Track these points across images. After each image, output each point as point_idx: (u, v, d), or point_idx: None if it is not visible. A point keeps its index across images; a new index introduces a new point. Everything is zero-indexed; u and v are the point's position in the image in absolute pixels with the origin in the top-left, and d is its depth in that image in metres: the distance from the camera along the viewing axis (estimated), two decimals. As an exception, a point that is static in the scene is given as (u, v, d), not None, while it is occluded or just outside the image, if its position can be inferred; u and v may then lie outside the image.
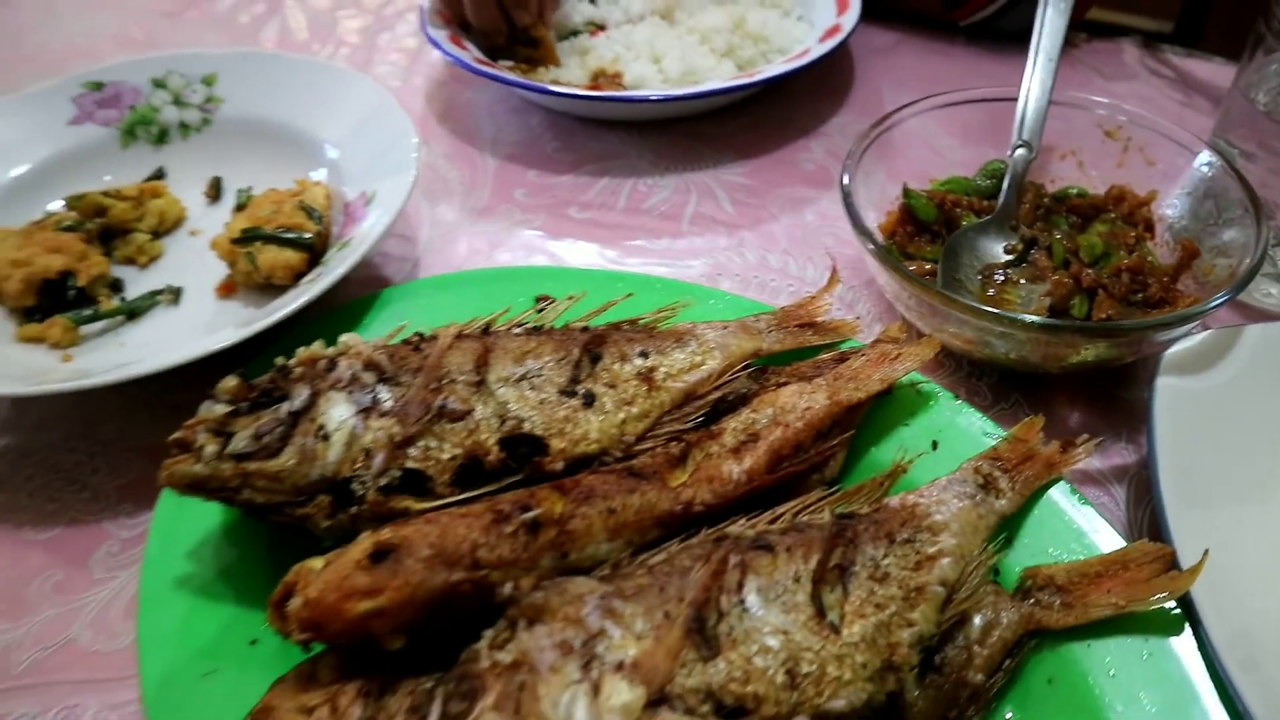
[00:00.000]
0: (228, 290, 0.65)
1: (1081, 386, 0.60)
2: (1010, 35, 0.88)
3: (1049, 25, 0.68)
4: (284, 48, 0.92)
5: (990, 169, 0.68)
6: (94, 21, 0.97)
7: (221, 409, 0.45)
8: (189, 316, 0.64)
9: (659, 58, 0.81)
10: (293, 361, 0.47)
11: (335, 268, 0.58)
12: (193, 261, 0.67)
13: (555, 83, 0.80)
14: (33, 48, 0.93)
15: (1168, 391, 0.53)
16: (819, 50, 0.77)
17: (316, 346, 0.48)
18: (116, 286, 0.66)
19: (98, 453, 0.57)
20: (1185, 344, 0.55)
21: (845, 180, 0.61)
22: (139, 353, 0.61)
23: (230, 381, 0.46)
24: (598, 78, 0.81)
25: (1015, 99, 0.67)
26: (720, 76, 0.79)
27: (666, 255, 0.68)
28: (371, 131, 0.68)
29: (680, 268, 0.67)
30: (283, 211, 0.63)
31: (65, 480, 0.56)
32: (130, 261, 0.68)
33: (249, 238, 0.62)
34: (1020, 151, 0.65)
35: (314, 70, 0.73)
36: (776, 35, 0.83)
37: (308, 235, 0.62)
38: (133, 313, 0.63)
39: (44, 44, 0.94)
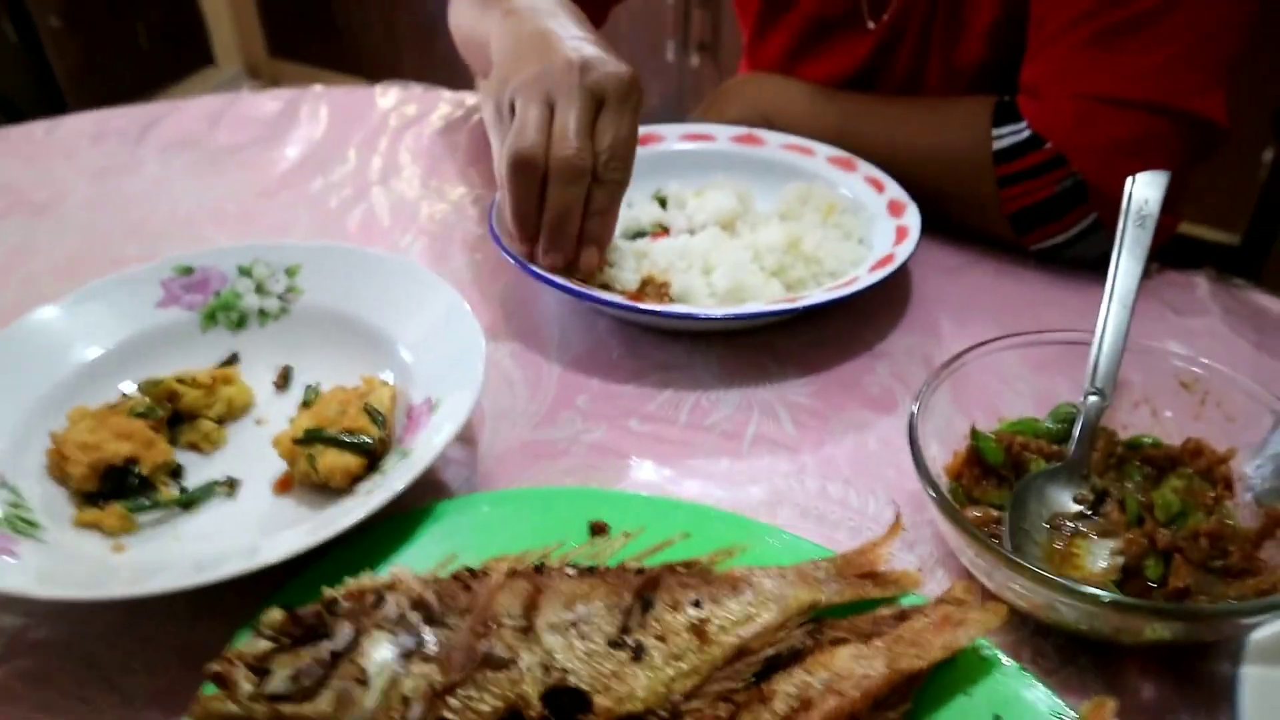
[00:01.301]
0: (285, 486, 0.65)
1: (1157, 655, 0.57)
2: (1082, 262, 0.88)
3: (1123, 271, 0.68)
4: (367, 232, 0.95)
5: (1061, 413, 0.66)
6: (197, 197, 1.02)
7: (263, 644, 0.44)
8: (244, 510, 0.64)
9: (710, 269, 0.82)
10: (341, 593, 0.47)
11: (392, 481, 0.57)
12: (254, 452, 0.68)
13: (605, 288, 0.81)
14: (136, 220, 0.98)
15: (1256, 680, 0.50)
16: (867, 280, 0.77)
17: (365, 578, 0.48)
18: (177, 473, 0.66)
19: (135, 651, 0.57)
20: (1275, 627, 0.52)
21: (911, 423, 0.60)
22: (192, 546, 0.61)
23: (274, 615, 0.45)
24: (646, 285, 0.82)
25: (1089, 341, 0.66)
26: (767, 295, 0.80)
27: (726, 479, 0.67)
28: (442, 336, 0.69)
29: (739, 493, 0.66)
30: (348, 414, 0.64)
31: (100, 679, 0.55)
32: (194, 447, 0.69)
33: (311, 439, 0.62)
34: (1093, 399, 0.64)
35: (393, 267, 0.75)
36: (829, 258, 0.84)
37: (369, 440, 0.63)
38: (189, 503, 0.64)
39: (146, 218, 0.99)
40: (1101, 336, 0.66)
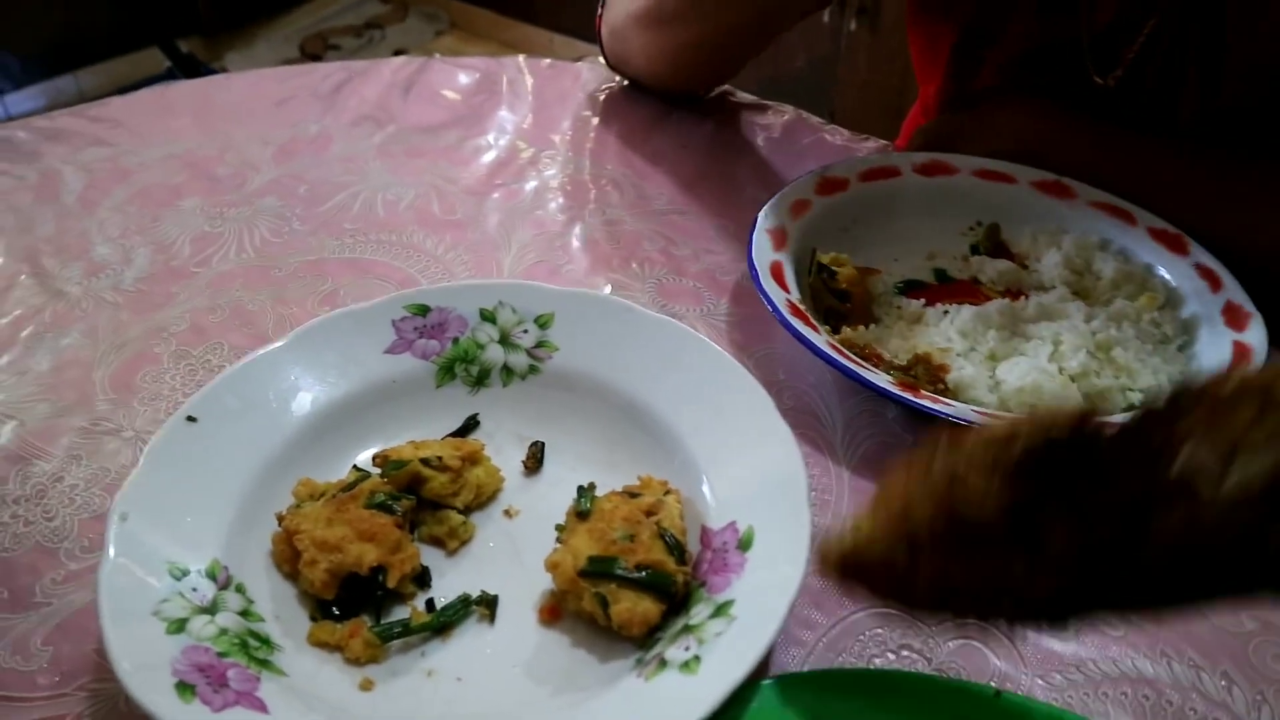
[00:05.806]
0: (551, 615, 0.54)
1: None
2: None
3: None
4: (591, 256, 0.83)
5: None
6: (396, 189, 0.90)
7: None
8: (506, 644, 0.53)
9: (995, 357, 0.68)
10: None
11: (725, 659, 0.46)
12: (508, 556, 0.57)
13: (870, 351, 0.69)
14: (330, 212, 0.87)
15: None
16: None
17: None
18: (422, 579, 0.56)
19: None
20: None
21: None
22: (449, 690, 0.50)
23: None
24: (916, 365, 0.68)
25: None
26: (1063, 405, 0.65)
27: (1079, 674, 0.55)
28: (739, 439, 0.57)
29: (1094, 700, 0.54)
30: (639, 540, 0.52)
31: None
32: (437, 542, 0.58)
33: (601, 573, 0.51)
34: None
35: (671, 335, 0.63)
36: (1145, 372, 0.68)
37: (672, 582, 0.51)
38: (442, 626, 0.53)
39: (340, 210, 0.87)
40: None
